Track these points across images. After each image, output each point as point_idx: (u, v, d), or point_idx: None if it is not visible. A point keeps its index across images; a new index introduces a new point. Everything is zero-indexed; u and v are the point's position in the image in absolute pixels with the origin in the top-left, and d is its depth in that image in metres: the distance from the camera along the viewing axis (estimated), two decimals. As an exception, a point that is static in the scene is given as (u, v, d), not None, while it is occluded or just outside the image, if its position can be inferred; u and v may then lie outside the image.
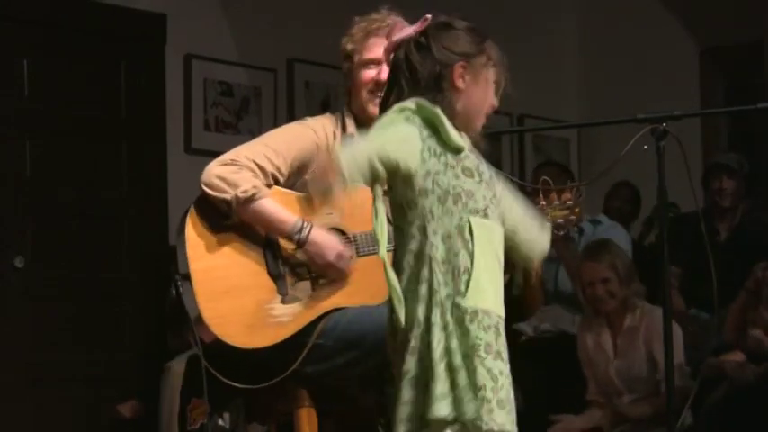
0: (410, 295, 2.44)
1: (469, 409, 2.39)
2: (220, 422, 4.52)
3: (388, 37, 2.60)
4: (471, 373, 2.39)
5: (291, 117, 6.04)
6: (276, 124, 5.91)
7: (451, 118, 2.48)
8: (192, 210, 3.20)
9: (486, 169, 2.52)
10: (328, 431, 3.37)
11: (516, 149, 7.29)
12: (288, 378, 3.16)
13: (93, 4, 5.50)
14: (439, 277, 2.42)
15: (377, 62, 3.31)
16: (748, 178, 5.46)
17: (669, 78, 6.93)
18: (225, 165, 3.19)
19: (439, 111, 2.46)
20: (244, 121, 5.98)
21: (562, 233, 3.51)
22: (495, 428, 2.40)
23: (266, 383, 3.16)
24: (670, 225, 3.25)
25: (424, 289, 2.43)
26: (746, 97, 6.67)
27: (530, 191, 3.79)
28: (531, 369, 4.89)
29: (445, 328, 2.40)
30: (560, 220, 3.46)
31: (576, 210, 3.47)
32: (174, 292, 3.18)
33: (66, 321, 5.33)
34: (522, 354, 4.99)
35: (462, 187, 2.45)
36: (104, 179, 5.54)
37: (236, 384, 3.16)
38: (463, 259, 2.43)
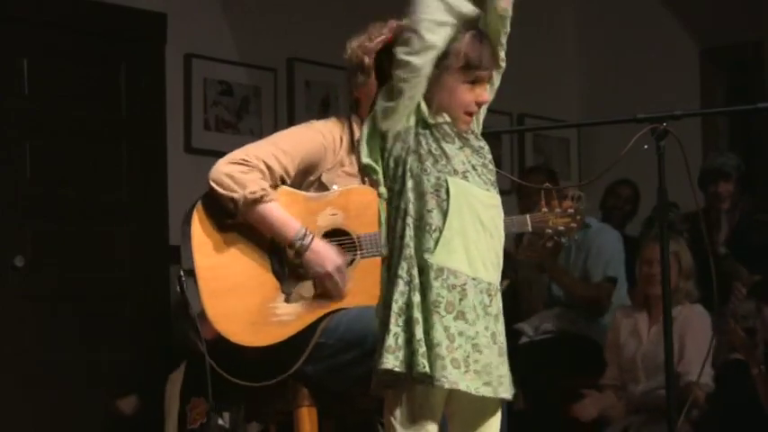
0: (393, 250, 2.55)
1: (421, 363, 2.44)
2: (220, 422, 4.52)
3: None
4: (429, 328, 2.46)
5: (291, 117, 6.05)
6: (276, 124, 5.93)
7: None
8: (199, 206, 3.21)
9: (469, 141, 2.60)
10: (328, 431, 3.38)
11: (516, 149, 7.29)
12: (289, 377, 3.17)
13: (93, 4, 5.50)
14: (410, 232, 2.51)
15: None
16: (746, 177, 5.45)
17: (669, 78, 6.93)
18: (235, 163, 3.20)
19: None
20: (244, 120, 5.98)
21: (564, 240, 3.53)
22: (446, 385, 2.45)
23: (268, 382, 3.16)
24: (670, 225, 3.24)
25: (398, 243, 2.53)
26: (746, 97, 6.68)
27: (529, 192, 3.81)
28: (533, 369, 4.90)
29: (409, 282, 2.49)
30: (561, 228, 3.47)
31: (578, 218, 3.49)
32: (177, 288, 3.18)
33: (66, 321, 5.33)
34: (524, 354, 5.01)
35: (442, 149, 2.55)
36: (104, 179, 5.54)
37: (238, 381, 3.17)
38: (436, 217, 2.52)
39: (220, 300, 3.14)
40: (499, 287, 2.58)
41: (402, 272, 2.49)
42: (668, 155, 3.19)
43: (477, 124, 2.66)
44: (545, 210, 3.47)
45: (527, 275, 5.47)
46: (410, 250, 2.50)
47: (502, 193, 2.65)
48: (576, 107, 7.33)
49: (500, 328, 2.56)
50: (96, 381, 5.35)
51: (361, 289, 3.20)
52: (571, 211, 3.48)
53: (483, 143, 2.64)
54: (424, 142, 2.55)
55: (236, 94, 5.97)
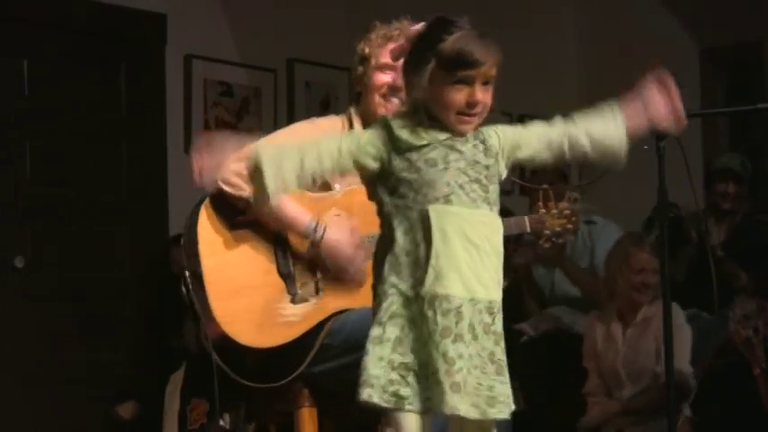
0: (379, 289, 2.53)
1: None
2: (221, 422, 4.53)
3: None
4: (426, 357, 2.44)
5: (291, 117, 6.05)
6: (276, 124, 5.93)
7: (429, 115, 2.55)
8: (205, 206, 3.21)
9: (463, 154, 2.52)
10: (329, 431, 3.38)
11: (516, 149, 7.28)
12: (294, 378, 3.17)
13: (92, 4, 5.50)
14: (401, 270, 2.48)
15: (392, 67, 3.31)
16: (750, 180, 5.47)
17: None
18: (241, 162, 3.20)
19: (387, 117, 2.58)
20: (244, 121, 5.98)
21: (561, 241, 3.55)
22: (447, 411, 2.43)
23: (274, 383, 3.16)
24: (669, 225, 3.25)
25: (386, 283, 2.51)
26: (746, 97, 6.67)
27: (526, 192, 3.84)
28: (532, 369, 4.90)
29: (404, 319, 2.47)
30: (558, 229, 3.50)
31: (574, 219, 3.52)
32: (183, 288, 3.18)
33: (65, 321, 5.34)
34: (523, 354, 5.01)
35: (423, 178, 2.50)
36: (104, 179, 5.55)
37: (244, 382, 3.17)
38: (424, 248, 2.47)
39: (227, 301, 3.14)
40: (500, 303, 2.53)
41: (392, 310, 2.49)
42: (668, 155, 3.19)
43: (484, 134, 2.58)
44: (542, 211, 3.49)
45: (528, 275, 5.46)
46: (398, 288, 2.49)
47: (503, 193, 2.62)
48: (576, 107, 7.32)
49: (502, 345, 2.51)
50: (96, 381, 5.35)
51: (367, 289, 3.20)
52: (567, 212, 3.51)
53: (480, 152, 2.55)
54: (404, 175, 2.51)
55: (237, 94, 5.98)
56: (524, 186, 5.07)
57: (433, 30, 2.53)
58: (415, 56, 2.53)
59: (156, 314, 5.41)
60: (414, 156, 2.51)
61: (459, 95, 2.50)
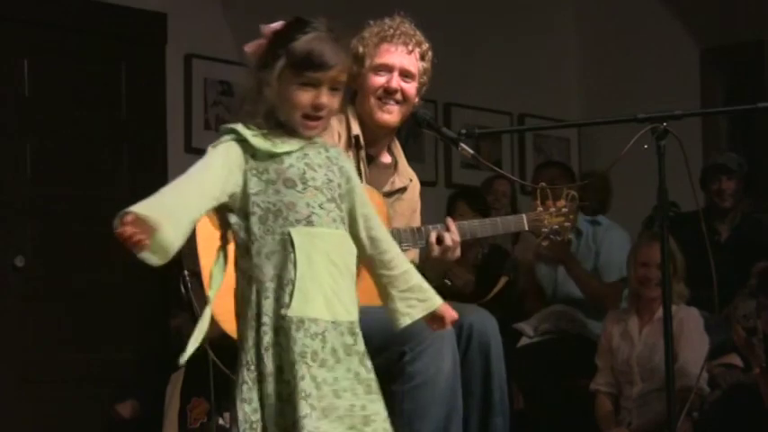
0: (242, 318, 2.50)
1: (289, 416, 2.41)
2: (221, 422, 4.52)
3: None
4: (300, 380, 2.40)
5: (291, 117, 6.05)
6: (276, 124, 5.93)
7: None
8: None
9: (317, 172, 2.49)
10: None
11: (517, 149, 7.29)
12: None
13: (93, 4, 5.50)
14: (266, 294, 2.45)
15: (388, 68, 3.31)
16: (748, 178, 5.46)
17: (669, 78, 6.93)
18: None
19: (238, 126, 2.58)
20: (244, 120, 5.98)
21: (558, 239, 3.57)
22: None
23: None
24: (670, 225, 3.25)
25: (251, 312, 2.47)
26: (746, 97, 6.67)
27: (529, 191, 3.86)
28: (532, 369, 4.90)
29: (273, 345, 2.43)
30: (556, 227, 3.52)
31: (571, 216, 3.54)
32: (182, 288, 3.18)
33: (65, 321, 5.34)
34: (523, 354, 5.01)
35: (283, 201, 2.46)
36: (104, 179, 5.54)
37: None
38: (289, 272, 2.43)
39: (225, 299, 3.14)
40: (358, 323, 2.49)
41: (262, 338, 2.45)
42: (668, 154, 3.19)
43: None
44: (540, 209, 3.50)
45: (530, 272, 5.46)
46: (267, 316, 2.44)
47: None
48: (576, 107, 7.34)
49: (368, 363, 2.48)
50: (96, 381, 5.35)
51: (365, 287, 3.20)
52: (565, 210, 3.52)
53: (333, 168, 2.52)
54: (262, 198, 2.47)
55: (237, 94, 5.97)
56: (524, 186, 5.06)
57: (289, 28, 2.55)
58: (268, 53, 2.52)
59: (156, 313, 5.41)
60: (272, 174, 2.48)
61: (305, 96, 2.47)
